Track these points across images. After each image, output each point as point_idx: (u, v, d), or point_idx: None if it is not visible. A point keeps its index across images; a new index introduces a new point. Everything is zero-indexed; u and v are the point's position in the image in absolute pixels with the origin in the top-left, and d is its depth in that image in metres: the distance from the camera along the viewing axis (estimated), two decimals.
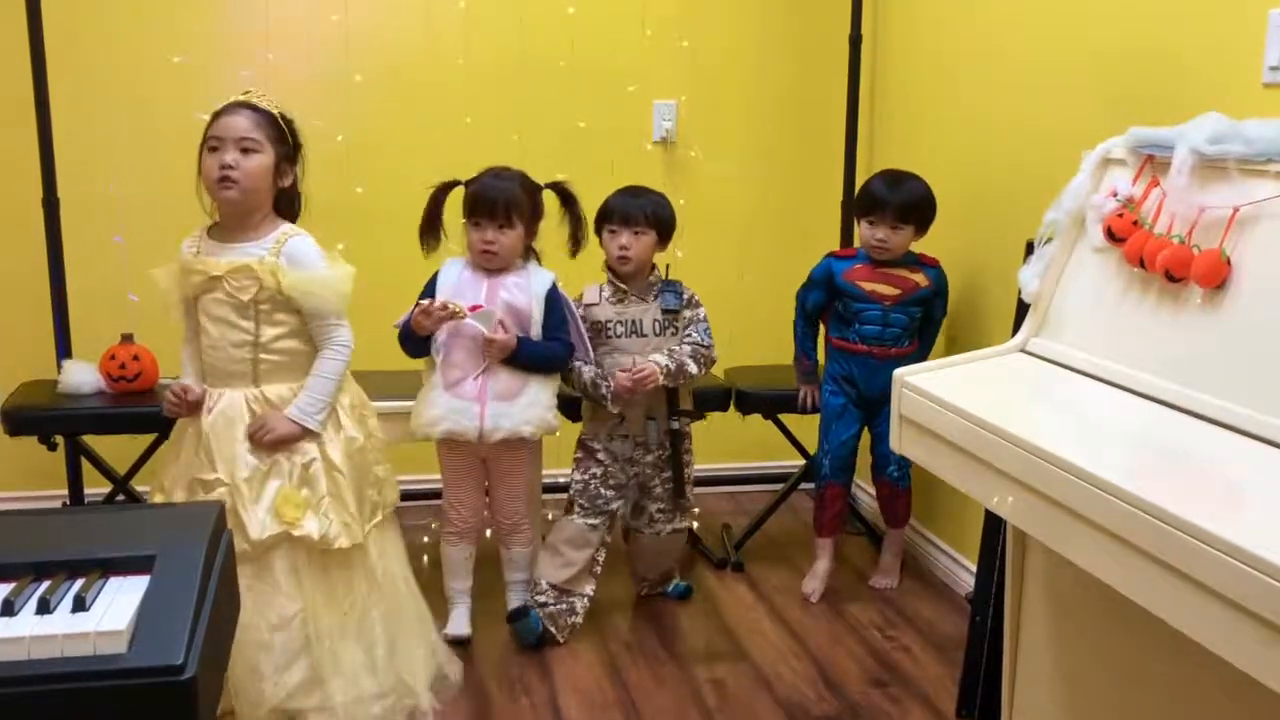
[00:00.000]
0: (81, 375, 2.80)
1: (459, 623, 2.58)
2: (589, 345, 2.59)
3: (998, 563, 2.09)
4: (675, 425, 2.67)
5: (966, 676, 2.25)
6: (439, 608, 2.65)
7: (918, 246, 2.80)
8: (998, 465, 1.48)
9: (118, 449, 2.94)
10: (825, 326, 2.89)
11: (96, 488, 3.00)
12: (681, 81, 3.36)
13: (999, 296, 2.67)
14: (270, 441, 2.04)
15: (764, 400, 3.03)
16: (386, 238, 3.08)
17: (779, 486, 3.29)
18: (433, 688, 2.23)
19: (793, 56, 3.42)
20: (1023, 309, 1.85)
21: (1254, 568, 1.08)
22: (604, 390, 2.58)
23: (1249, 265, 1.41)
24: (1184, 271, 1.47)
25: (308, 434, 2.08)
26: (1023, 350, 1.76)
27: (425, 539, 3.19)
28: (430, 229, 2.50)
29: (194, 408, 2.09)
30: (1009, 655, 1.93)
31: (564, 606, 2.61)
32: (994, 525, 2.16)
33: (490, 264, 2.48)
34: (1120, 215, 1.60)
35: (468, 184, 2.51)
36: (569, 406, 2.73)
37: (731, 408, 3.05)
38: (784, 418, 3.11)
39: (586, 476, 2.66)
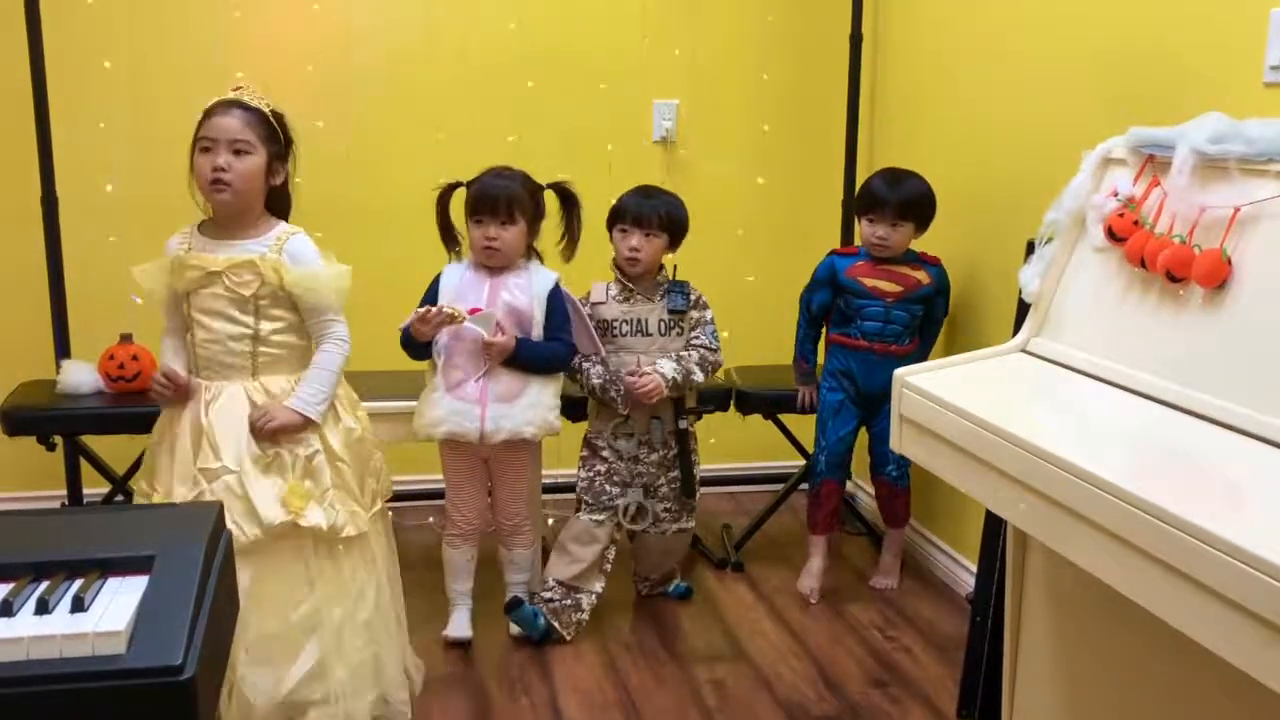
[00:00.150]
0: (80, 375, 2.80)
1: (460, 624, 2.58)
2: (598, 342, 2.59)
3: (998, 563, 2.08)
4: (683, 425, 2.67)
5: (967, 677, 2.24)
6: (440, 608, 2.65)
7: (919, 245, 2.80)
8: (998, 465, 1.48)
9: (116, 449, 2.93)
10: (826, 325, 2.89)
11: (95, 488, 3.00)
12: (681, 81, 3.36)
13: (999, 296, 2.67)
14: (273, 429, 2.05)
15: (764, 400, 3.03)
16: (386, 237, 3.09)
17: (779, 486, 3.29)
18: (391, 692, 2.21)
19: (793, 56, 3.42)
20: (1023, 309, 1.85)
21: (1254, 568, 1.08)
22: (613, 394, 2.58)
23: (1250, 265, 1.41)
24: (1185, 271, 1.47)
25: (308, 424, 2.08)
26: (1023, 350, 1.76)
27: (424, 539, 3.20)
28: (446, 234, 2.52)
29: (182, 393, 2.09)
30: (1009, 655, 1.93)
31: (570, 603, 2.61)
32: (994, 525, 2.16)
33: (492, 261, 2.47)
34: (1121, 215, 1.60)
35: (469, 184, 2.51)
36: (572, 407, 2.73)
37: (732, 408, 3.05)
38: (784, 418, 3.11)
39: (591, 474, 2.67)
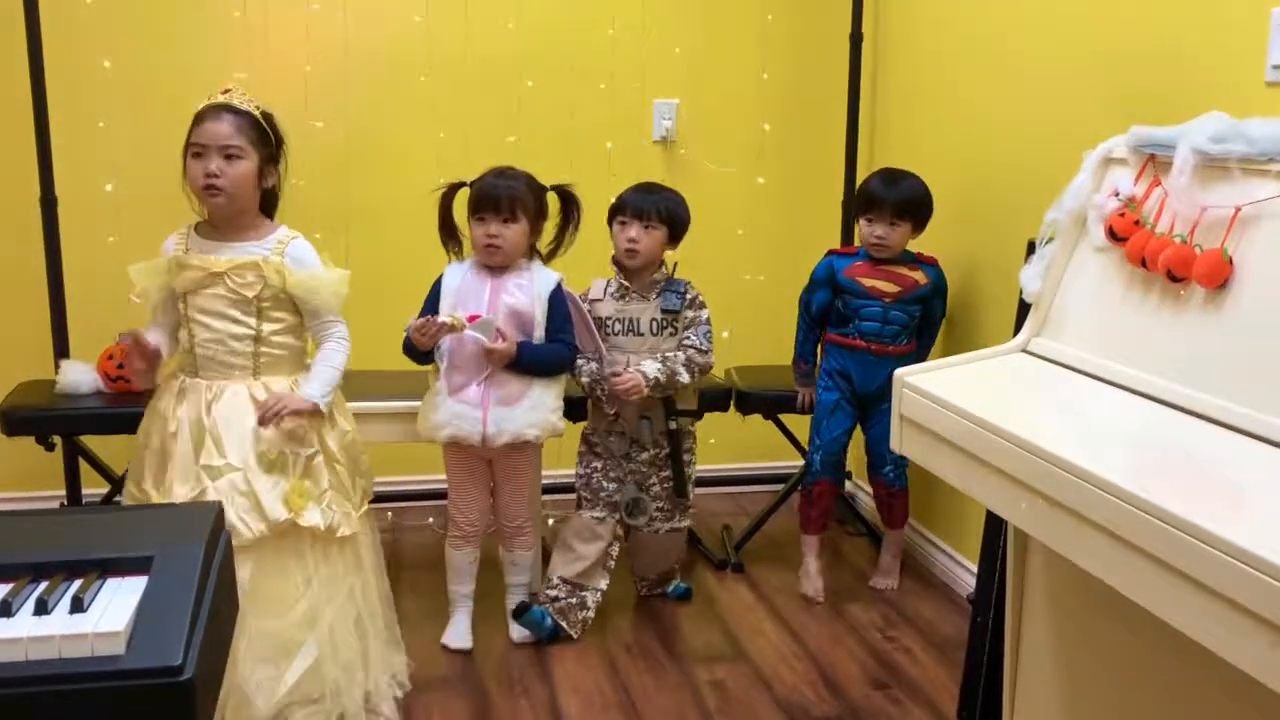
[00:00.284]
0: (79, 375, 2.79)
1: (459, 633, 2.57)
2: (600, 341, 2.59)
3: (999, 563, 2.08)
4: (672, 426, 2.66)
5: (967, 678, 2.24)
6: (440, 608, 2.65)
7: (916, 246, 2.80)
8: (998, 465, 1.47)
9: (115, 449, 2.93)
10: (825, 325, 2.89)
11: (94, 488, 3.00)
12: (682, 80, 3.36)
13: (1000, 296, 2.67)
14: (289, 412, 2.06)
15: (764, 400, 3.03)
16: (386, 238, 3.09)
17: (779, 487, 3.29)
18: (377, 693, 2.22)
19: (793, 56, 3.42)
20: (1024, 309, 1.85)
21: (1255, 568, 1.08)
22: (599, 393, 2.59)
23: (1251, 265, 1.40)
24: (1186, 271, 1.47)
25: (316, 413, 2.10)
26: (1024, 350, 1.76)
27: (424, 539, 3.20)
28: (448, 233, 2.52)
29: (152, 359, 2.08)
30: (1010, 656, 1.93)
31: (575, 601, 2.61)
32: (995, 526, 2.15)
33: (494, 259, 2.47)
34: (1122, 215, 1.60)
35: (473, 183, 2.50)
36: (572, 407, 2.73)
37: (732, 408, 3.04)
38: (784, 418, 3.10)
39: (588, 470, 2.68)
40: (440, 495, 2.79)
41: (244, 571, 1.99)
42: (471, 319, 2.39)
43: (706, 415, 2.99)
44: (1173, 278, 1.49)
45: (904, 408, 1.73)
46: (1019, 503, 1.44)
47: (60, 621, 1.12)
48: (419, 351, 2.45)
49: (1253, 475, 1.28)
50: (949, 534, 2.98)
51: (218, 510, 1.39)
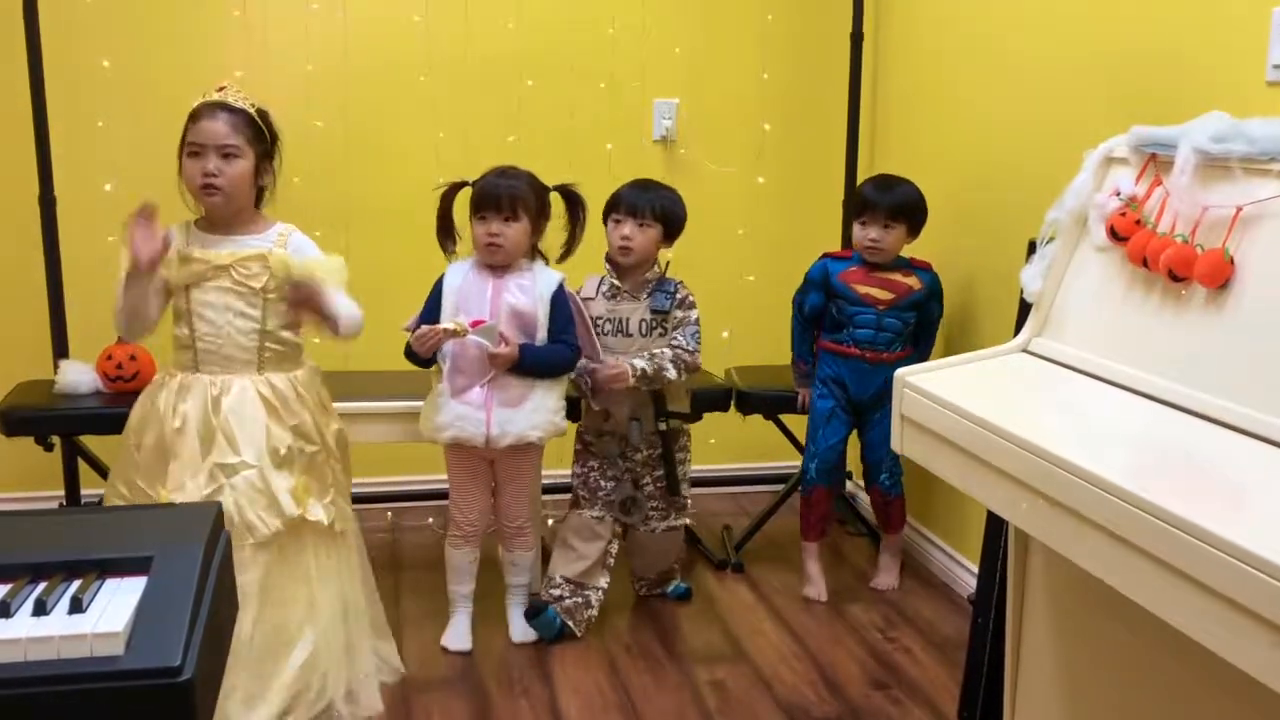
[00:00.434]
0: (78, 375, 2.79)
1: (459, 635, 2.57)
2: (597, 344, 2.58)
3: (999, 564, 2.08)
4: (662, 427, 2.65)
5: (968, 678, 2.24)
6: (440, 608, 2.65)
7: (911, 251, 2.79)
8: (999, 466, 1.47)
9: (115, 450, 2.91)
10: (820, 326, 2.88)
11: (93, 488, 2.99)
12: (682, 79, 3.36)
13: (1000, 296, 2.66)
14: (314, 302, 2.08)
15: (764, 400, 3.03)
16: (386, 237, 3.09)
17: (779, 487, 3.28)
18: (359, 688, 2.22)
19: (794, 54, 3.42)
20: (1025, 308, 1.84)
21: (1256, 568, 1.08)
22: (584, 386, 2.58)
23: (1252, 265, 1.40)
24: (1187, 271, 1.46)
25: (325, 318, 2.11)
26: (1025, 350, 1.76)
27: (424, 539, 3.19)
28: (445, 232, 2.51)
29: (159, 242, 2.02)
30: (1011, 656, 1.93)
31: (579, 600, 2.61)
32: (995, 526, 2.15)
33: (494, 258, 2.46)
34: (1123, 214, 1.60)
35: (474, 183, 2.50)
36: (572, 407, 2.72)
37: (732, 408, 3.04)
38: (784, 418, 3.10)
39: (585, 469, 2.69)
40: (440, 495, 2.78)
41: (256, 569, 2.00)
42: (475, 324, 2.39)
43: (706, 415, 2.99)
44: (1174, 277, 1.48)
45: (904, 408, 1.72)
46: (1019, 503, 1.44)
47: (59, 622, 1.12)
48: (420, 357, 2.45)
49: (1253, 475, 1.28)
50: (949, 534, 2.98)
51: (217, 510, 1.39)
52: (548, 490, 2.92)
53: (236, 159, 2.08)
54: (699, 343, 2.65)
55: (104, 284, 2.94)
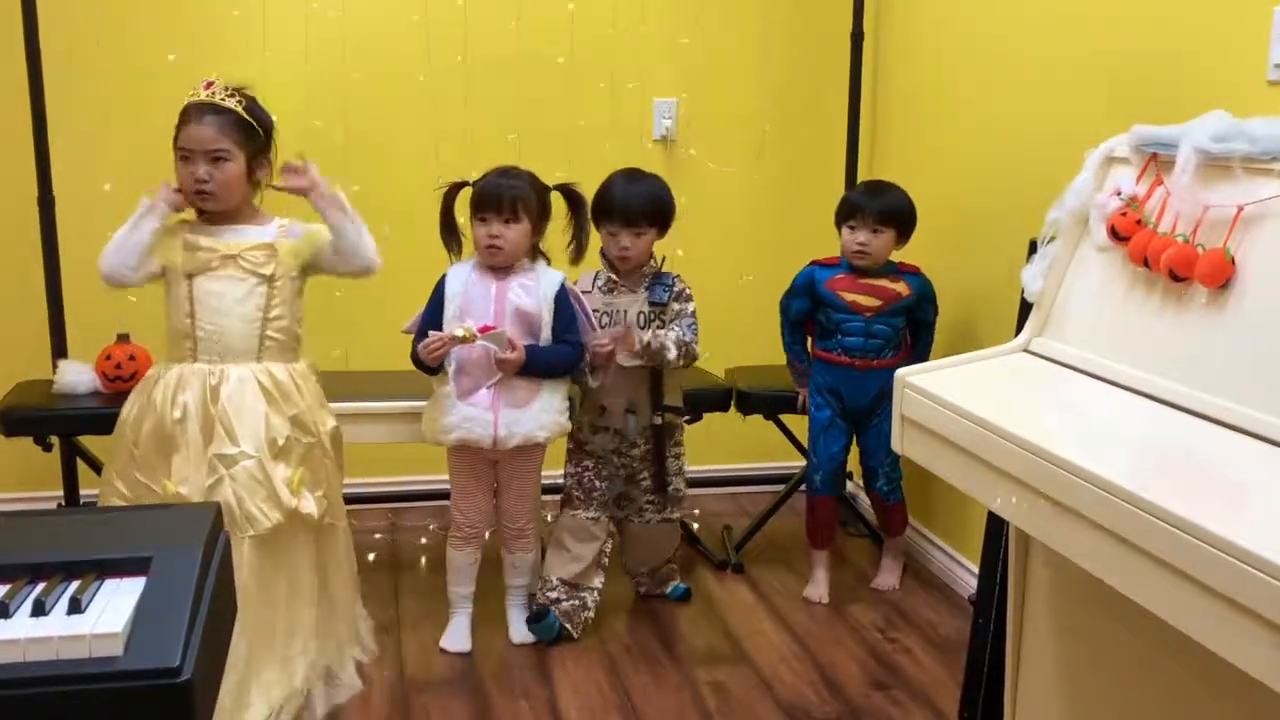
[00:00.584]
0: (77, 375, 2.78)
1: (458, 636, 2.56)
2: (599, 332, 2.56)
3: (1000, 564, 2.08)
4: (658, 421, 2.65)
5: (969, 678, 2.24)
6: (439, 608, 2.65)
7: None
8: (1000, 466, 1.47)
9: (111, 449, 2.92)
10: (811, 336, 2.88)
11: (92, 488, 2.99)
12: (682, 79, 3.35)
13: (1001, 296, 2.66)
14: (312, 178, 2.11)
15: (764, 400, 3.03)
16: (386, 237, 3.07)
17: (780, 487, 3.28)
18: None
19: (794, 53, 3.42)
20: (1025, 308, 1.84)
21: (1257, 568, 1.08)
22: (583, 366, 2.55)
23: (1253, 265, 1.40)
24: (1188, 271, 1.46)
25: (336, 203, 2.12)
26: (1025, 350, 1.75)
27: (424, 540, 3.19)
28: (449, 232, 2.51)
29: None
30: (1011, 657, 1.92)
31: (576, 602, 2.61)
32: (996, 526, 2.15)
33: (495, 260, 2.46)
34: (1124, 214, 1.59)
35: (475, 183, 2.49)
36: (573, 407, 2.72)
37: (732, 408, 3.04)
38: (785, 418, 3.10)
39: (579, 469, 2.67)
40: (440, 495, 2.78)
41: (251, 563, 2.00)
42: (484, 330, 2.38)
43: (706, 415, 2.99)
44: (1175, 277, 1.48)
45: (905, 408, 1.72)
46: (1020, 503, 1.44)
47: (58, 622, 1.12)
48: (430, 366, 2.44)
49: (1254, 475, 1.28)
50: (950, 534, 2.98)
51: (216, 511, 1.38)
52: (546, 491, 2.92)
53: (226, 162, 2.08)
54: (696, 334, 2.65)
55: (102, 284, 2.95)
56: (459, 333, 2.35)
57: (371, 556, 3.06)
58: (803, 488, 3.05)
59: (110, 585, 1.20)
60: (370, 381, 2.80)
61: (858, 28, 3.24)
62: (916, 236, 2.80)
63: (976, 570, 2.40)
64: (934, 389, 1.65)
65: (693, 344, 2.63)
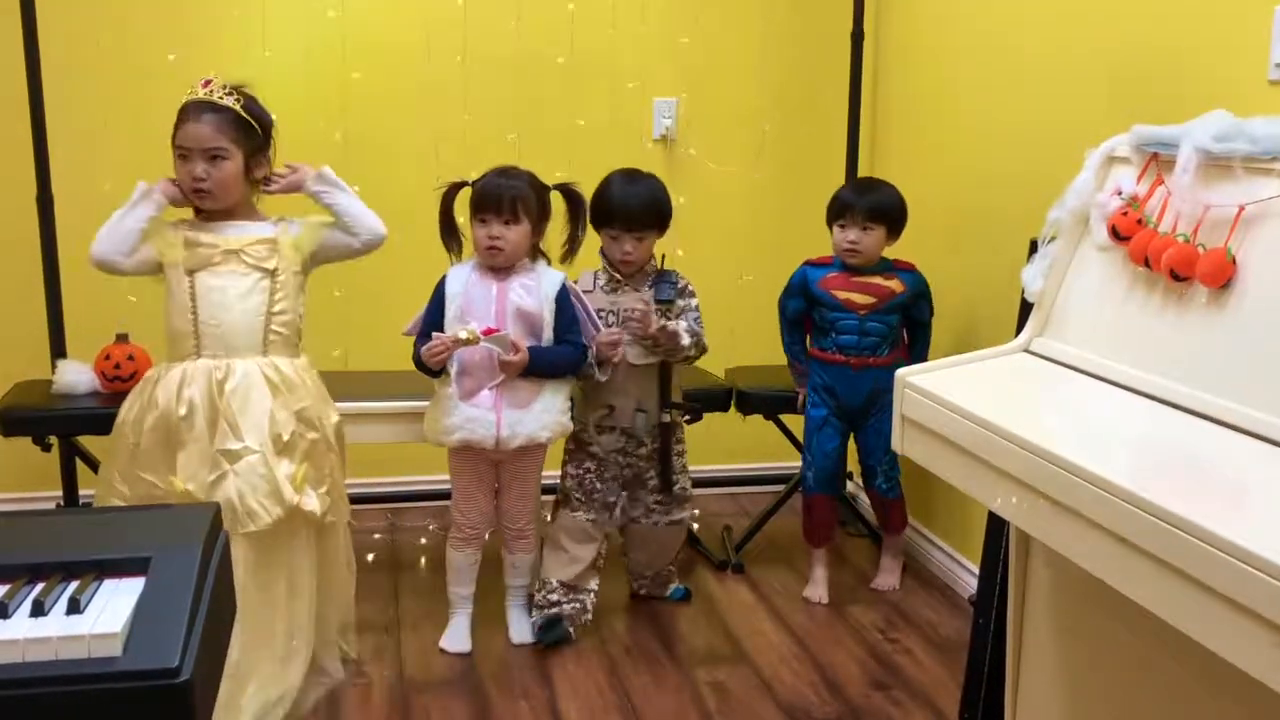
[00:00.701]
0: (76, 375, 2.78)
1: (458, 637, 2.56)
2: (602, 329, 2.55)
3: (1000, 564, 2.07)
4: (665, 419, 2.65)
5: (969, 679, 2.23)
6: (439, 609, 2.64)
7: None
8: (1000, 466, 1.47)
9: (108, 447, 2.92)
10: (809, 326, 2.88)
11: (91, 489, 2.98)
12: (682, 79, 3.35)
13: (1002, 296, 2.66)
14: (295, 175, 2.13)
15: (764, 400, 3.02)
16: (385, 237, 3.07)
17: (780, 487, 3.28)
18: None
19: (794, 53, 3.42)
20: (1026, 308, 1.84)
21: (1258, 569, 1.07)
22: (590, 361, 2.54)
23: (1254, 264, 1.40)
24: (1189, 271, 1.46)
25: (316, 185, 2.15)
26: (1026, 350, 1.75)
27: (424, 540, 3.19)
28: (448, 232, 2.51)
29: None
30: (1012, 657, 1.92)
31: (577, 605, 2.61)
32: (997, 527, 2.15)
33: (495, 261, 2.46)
34: (1125, 214, 1.59)
35: (474, 183, 2.49)
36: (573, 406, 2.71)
37: (732, 408, 3.04)
38: (785, 418, 3.09)
39: (581, 471, 2.66)
40: (439, 496, 2.78)
41: (249, 559, 2.00)
42: (487, 333, 2.37)
43: (706, 416, 2.98)
44: (1176, 277, 1.48)
45: (905, 408, 1.72)
46: (1020, 503, 1.43)
47: (57, 623, 1.12)
48: (433, 370, 2.43)
49: (1255, 475, 1.28)
50: (950, 535, 2.98)
51: (216, 511, 1.38)
52: (546, 491, 2.91)
53: (224, 161, 2.08)
54: (702, 328, 2.66)
55: (102, 284, 2.94)
56: (462, 335, 2.34)
57: (371, 556, 3.06)
58: (801, 495, 3.05)
59: (109, 585, 1.20)
60: (370, 381, 2.80)
61: (858, 28, 3.24)
62: (917, 236, 2.79)
63: (977, 570, 2.40)
64: (934, 389, 1.65)
65: (702, 335, 2.64)
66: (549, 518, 2.84)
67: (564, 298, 2.49)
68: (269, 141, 2.16)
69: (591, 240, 2.66)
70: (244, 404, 2.05)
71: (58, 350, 2.89)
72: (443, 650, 2.54)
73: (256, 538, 2.02)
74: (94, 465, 2.94)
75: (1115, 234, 1.60)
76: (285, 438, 2.05)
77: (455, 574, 2.59)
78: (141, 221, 2.11)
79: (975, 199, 2.83)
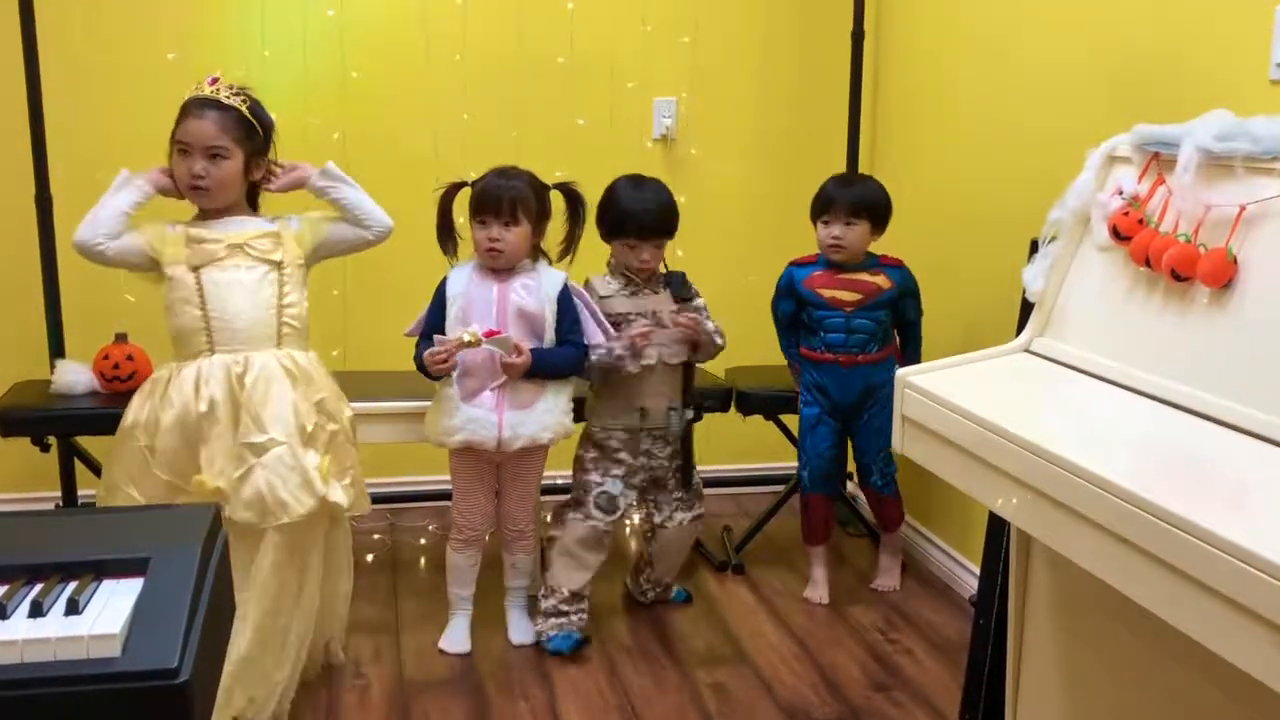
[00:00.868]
0: (74, 375, 2.78)
1: (457, 638, 2.56)
2: (608, 327, 2.54)
3: (1001, 564, 2.07)
4: (690, 415, 2.65)
5: (969, 679, 2.23)
6: (439, 609, 2.64)
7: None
8: (1001, 466, 1.47)
9: (111, 450, 2.92)
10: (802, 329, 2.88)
11: (90, 489, 2.98)
12: (682, 78, 3.35)
13: (1003, 296, 2.65)
14: (297, 172, 2.15)
15: (765, 400, 3.02)
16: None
17: (780, 488, 3.27)
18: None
19: (794, 53, 3.41)
20: (1027, 308, 1.84)
21: (1259, 569, 1.07)
22: (619, 353, 2.50)
23: (1255, 264, 1.40)
24: (1190, 270, 1.46)
25: (321, 181, 2.18)
26: (1026, 350, 1.75)
27: (423, 541, 3.19)
28: (446, 233, 2.50)
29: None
30: (1012, 658, 1.92)
31: (583, 616, 2.60)
32: (997, 527, 2.15)
33: (495, 263, 2.45)
34: (1126, 213, 1.59)
35: (474, 184, 2.48)
36: (576, 406, 2.70)
37: (732, 408, 3.03)
38: (785, 418, 3.09)
39: (605, 477, 2.59)
40: (439, 496, 2.77)
41: (277, 556, 2.00)
42: (489, 335, 2.37)
43: (706, 416, 2.98)
44: (1177, 277, 1.48)
45: (906, 408, 1.72)
46: (1021, 503, 1.43)
47: (56, 624, 1.11)
48: (435, 374, 2.42)
49: (1256, 475, 1.28)
50: (950, 535, 2.98)
51: (215, 511, 1.38)
52: (546, 491, 2.91)
53: (224, 159, 2.08)
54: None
55: (101, 284, 2.94)
56: (465, 338, 2.34)
57: (371, 557, 3.06)
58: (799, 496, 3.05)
59: (108, 586, 1.20)
60: (370, 381, 2.80)
61: (858, 28, 3.24)
62: (917, 236, 2.79)
63: (977, 571, 2.39)
64: (935, 389, 1.65)
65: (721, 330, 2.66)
66: (549, 519, 2.84)
67: (565, 298, 2.48)
68: (269, 145, 2.16)
69: (595, 242, 2.65)
70: (265, 396, 2.03)
71: (56, 350, 2.89)
72: (442, 651, 2.54)
73: (288, 531, 1.99)
74: (93, 465, 2.94)
75: (1116, 234, 1.60)
76: (309, 428, 2.05)
77: (455, 575, 2.58)
78: (126, 206, 2.09)
79: (975, 199, 2.82)
